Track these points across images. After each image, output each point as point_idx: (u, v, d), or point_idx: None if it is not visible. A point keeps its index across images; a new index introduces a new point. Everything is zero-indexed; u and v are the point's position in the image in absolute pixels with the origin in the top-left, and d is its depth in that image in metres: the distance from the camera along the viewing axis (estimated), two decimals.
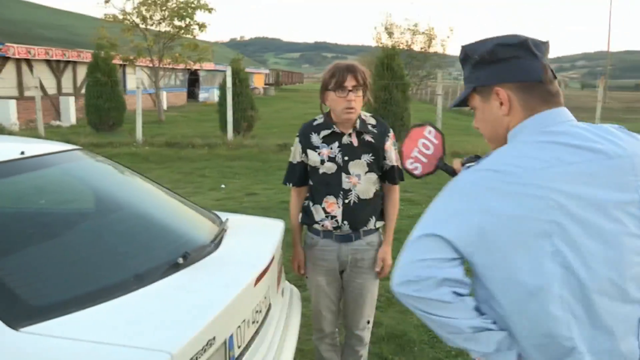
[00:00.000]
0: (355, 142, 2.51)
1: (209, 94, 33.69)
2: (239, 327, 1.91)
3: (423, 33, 23.59)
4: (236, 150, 11.94)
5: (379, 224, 2.63)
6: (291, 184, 2.69)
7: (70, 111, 19.20)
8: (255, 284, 2.01)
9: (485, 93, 1.37)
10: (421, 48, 22.17)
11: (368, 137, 2.52)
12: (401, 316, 3.90)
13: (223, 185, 8.54)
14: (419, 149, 1.62)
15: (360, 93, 2.45)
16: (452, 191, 1.32)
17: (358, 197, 2.52)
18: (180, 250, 1.99)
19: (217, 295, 1.80)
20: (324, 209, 2.54)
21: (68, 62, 20.55)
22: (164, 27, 19.66)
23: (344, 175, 2.51)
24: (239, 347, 1.92)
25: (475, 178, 1.28)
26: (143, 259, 1.99)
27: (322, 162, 2.52)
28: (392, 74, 13.14)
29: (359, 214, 2.53)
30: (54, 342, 1.44)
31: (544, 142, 1.26)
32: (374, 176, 2.55)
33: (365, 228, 2.57)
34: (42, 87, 17.65)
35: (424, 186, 8.55)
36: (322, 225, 2.56)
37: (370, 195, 2.55)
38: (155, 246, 2.13)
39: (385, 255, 2.63)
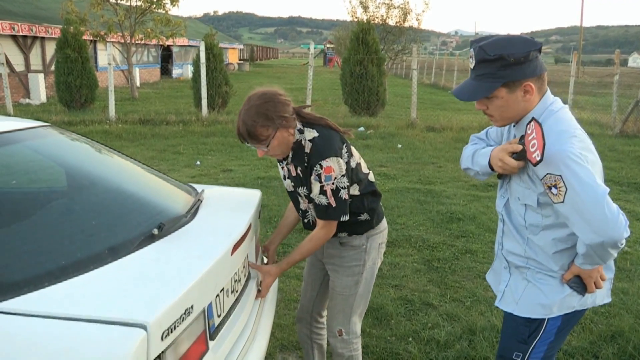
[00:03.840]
0: (293, 172, 2.32)
1: (182, 70, 33.21)
2: (218, 296, 1.91)
3: (398, 7, 23.40)
4: (211, 126, 11.84)
5: (356, 235, 2.40)
6: None
7: (40, 89, 18.73)
8: (232, 252, 2.00)
9: (514, 86, 1.75)
10: (396, 22, 22.02)
11: (299, 170, 2.29)
12: (377, 289, 3.95)
13: (198, 162, 8.47)
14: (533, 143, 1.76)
15: (270, 144, 2.19)
16: (574, 160, 1.67)
17: (315, 218, 2.36)
18: (156, 222, 1.98)
19: (193, 265, 1.79)
20: None
21: (35, 37, 19.96)
22: (134, 2, 19.22)
23: (298, 196, 2.38)
24: (218, 316, 1.93)
25: (573, 147, 1.69)
26: (117, 231, 1.96)
27: (284, 177, 2.41)
28: (367, 49, 13.09)
29: None
30: (21, 321, 1.42)
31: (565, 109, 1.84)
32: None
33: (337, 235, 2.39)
34: (8, 64, 17.17)
35: (399, 160, 8.61)
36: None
37: None
38: (129, 219, 2.10)
39: (266, 274, 2.38)
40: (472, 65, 1.79)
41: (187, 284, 1.62)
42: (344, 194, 2.21)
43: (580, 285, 1.85)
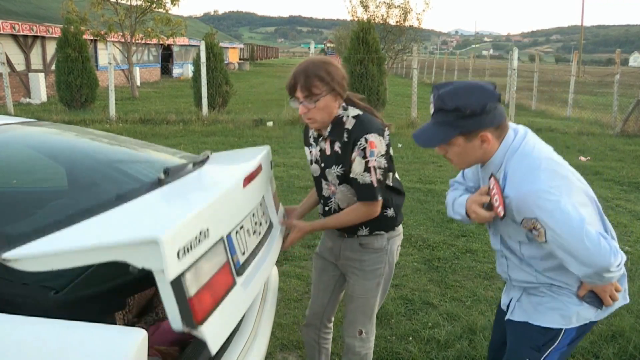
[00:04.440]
0: (328, 150, 2.27)
1: (182, 70, 33.17)
2: (238, 233, 1.88)
3: (398, 6, 23.39)
4: (211, 125, 11.84)
5: (377, 232, 2.35)
6: None
7: (41, 88, 18.71)
8: (244, 184, 1.97)
9: (471, 136, 1.76)
10: (397, 22, 22.00)
11: (336, 147, 2.23)
12: None
13: None
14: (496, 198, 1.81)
15: (317, 103, 2.15)
16: (545, 198, 1.67)
17: (338, 206, 2.32)
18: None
19: (203, 194, 1.79)
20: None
21: (36, 37, 19.95)
22: (135, 1, 19.21)
23: (323, 182, 2.33)
24: (242, 253, 1.90)
25: (540, 184, 1.68)
26: (124, 183, 2.00)
27: (311, 162, 2.38)
28: (367, 48, 13.07)
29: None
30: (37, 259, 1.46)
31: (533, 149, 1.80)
32: (348, 189, 2.28)
33: (356, 233, 2.35)
34: (9, 63, 17.16)
35: (399, 160, 8.60)
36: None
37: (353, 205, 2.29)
38: (136, 175, 2.14)
39: (297, 226, 2.34)
40: (431, 111, 1.81)
41: (198, 207, 1.61)
42: (380, 175, 2.18)
43: (595, 299, 1.85)
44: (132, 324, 2.43)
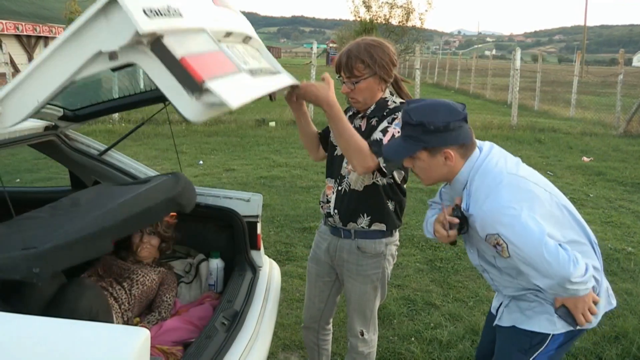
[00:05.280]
0: (363, 127, 2.27)
1: None
2: (228, 46, 1.67)
3: (401, 6, 23.44)
4: (214, 126, 11.84)
5: (377, 226, 2.32)
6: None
7: None
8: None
9: (434, 151, 1.82)
10: (399, 22, 22.07)
11: (374, 121, 2.24)
12: None
13: (201, 162, 8.47)
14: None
15: (357, 85, 2.19)
16: (506, 214, 1.70)
17: (349, 187, 2.30)
18: None
19: None
20: (324, 191, 2.43)
21: (39, 37, 20.01)
22: None
23: (344, 160, 2.30)
24: (244, 63, 1.70)
25: (501, 200, 1.73)
26: None
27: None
28: None
29: (347, 206, 2.31)
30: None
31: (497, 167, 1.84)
32: None
33: (356, 227, 2.32)
34: (12, 64, 17.18)
35: None
36: (322, 208, 2.44)
37: (359, 187, 2.28)
38: None
39: (322, 85, 2.11)
40: (400, 126, 1.88)
41: None
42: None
43: (569, 316, 1.83)
44: (135, 324, 2.44)
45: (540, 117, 14.88)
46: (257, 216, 2.74)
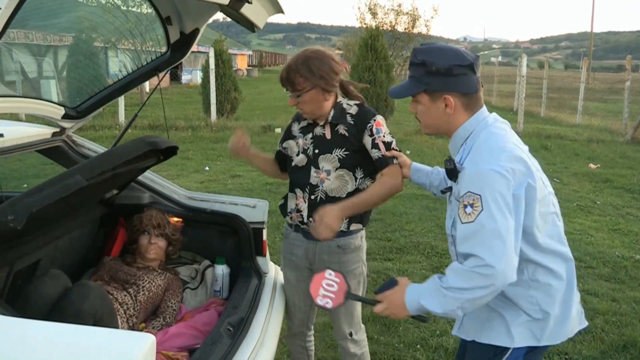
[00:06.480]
0: (328, 135, 2.31)
1: (191, 76, 33.33)
2: None
3: (407, 13, 23.49)
4: (220, 132, 11.87)
5: (355, 226, 2.36)
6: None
7: (52, 95, 18.86)
8: None
9: (435, 96, 1.75)
10: (405, 28, 22.12)
11: (342, 130, 2.30)
12: None
13: (207, 168, 8.49)
14: (324, 288, 1.90)
15: (300, 97, 2.24)
16: (499, 179, 1.60)
17: (326, 194, 2.31)
18: None
19: None
20: (294, 203, 2.42)
21: (50, 46, 20.16)
22: (145, 9, 19.35)
23: (312, 169, 2.32)
24: None
25: (500, 162, 1.62)
26: None
27: (298, 153, 2.39)
28: (375, 55, 13.09)
29: None
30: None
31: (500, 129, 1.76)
32: (346, 173, 2.30)
33: None
34: (22, 71, 17.31)
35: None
36: (291, 218, 2.44)
37: (342, 194, 2.30)
38: None
39: (325, 212, 2.15)
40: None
41: None
42: (394, 145, 2.30)
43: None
44: (140, 330, 2.44)
45: (546, 123, 14.85)
46: (262, 222, 2.75)
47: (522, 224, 1.64)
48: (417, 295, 1.70)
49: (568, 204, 6.63)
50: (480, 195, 1.60)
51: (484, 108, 1.80)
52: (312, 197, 2.34)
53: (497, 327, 1.78)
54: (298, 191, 2.39)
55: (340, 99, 2.37)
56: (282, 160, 2.55)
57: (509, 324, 1.75)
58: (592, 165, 9.07)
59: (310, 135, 2.37)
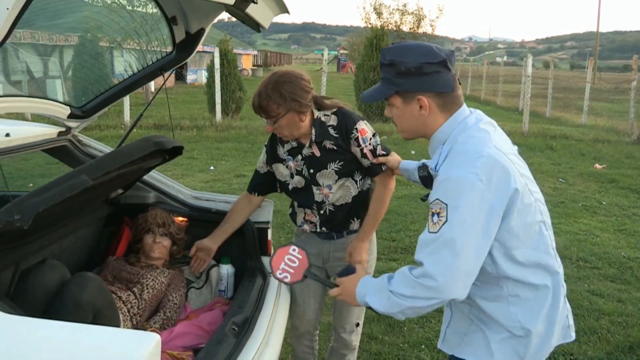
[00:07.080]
0: (317, 152, 2.32)
1: (196, 76, 33.39)
2: None
3: (412, 13, 23.45)
4: (225, 132, 11.89)
5: None
6: (248, 190, 2.61)
7: (58, 94, 18.94)
8: None
9: (408, 97, 1.64)
10: (410, 28, 22.10)
11: (329, 145, 2.30)
12: None
13: (212, 167, 8.51)
14: (285, 262, 1.90)
15: (276, 123, 2.22)
16: (469, 188, 1.51)
17: (334, 205, 2.37)
18: None
19: None
20: (303, 217, 2.48)
21: (55, 45, 20.25)
22: (150, 9, 19.39)
23: (313, 187, 2.36)
24: None
25: (475, 169, 1.51)
26: None
27: (292, 175, 2.41)
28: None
29: (337, 220, 2.41)
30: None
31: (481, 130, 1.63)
32: (347, 180, 2.35)
33: (348, 229, 2.45)
34: (28, 71, 17.40)
35: None
36: (303, 229, 2.49)
37: (348, 199, 2.37)
38: None
39: (354, 250, 2.36)
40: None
41: None
42: (379, 150, 2.32)
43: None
44: (144, 328, 2.44)
45: (552, 123, 14.80)
46: (267, 222, 2.76)
47: (498, 239, 1.54)
48: (365, 290, 1.71)
49: (574, 204, 6.61)
50: (446, 205, 1.50)
51: (464, 107, 1.68)
52: (321, 212, 2.41)
53: (476, 342, 1.70)
54: (306, 210, 2.45)
55: (316, 113, 2.31)
56: (270, 181, 2.56)
57: (489, 340, 1.66)
58: (597, 166, 9.04)
59: (299, 157, 2.36)
